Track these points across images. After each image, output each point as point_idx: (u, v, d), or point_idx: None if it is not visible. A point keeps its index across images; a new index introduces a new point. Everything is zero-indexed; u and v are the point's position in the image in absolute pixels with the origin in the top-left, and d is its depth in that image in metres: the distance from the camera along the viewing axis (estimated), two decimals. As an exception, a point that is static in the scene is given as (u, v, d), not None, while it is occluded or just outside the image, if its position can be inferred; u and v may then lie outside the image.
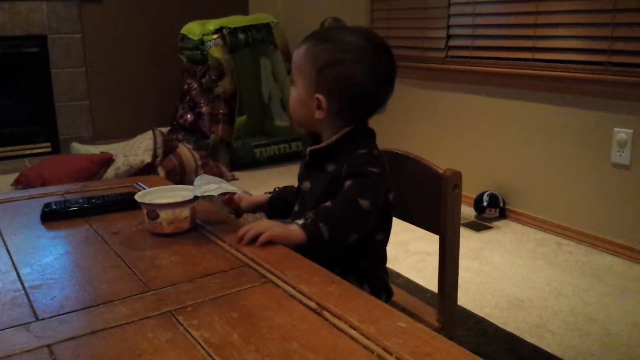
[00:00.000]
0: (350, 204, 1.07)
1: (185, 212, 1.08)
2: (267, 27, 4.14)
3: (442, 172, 1.20)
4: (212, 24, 4.06)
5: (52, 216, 1.18)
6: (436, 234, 1.23)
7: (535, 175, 2.66)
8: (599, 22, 2.36)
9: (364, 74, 1.12)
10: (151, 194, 1.13)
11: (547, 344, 1.76)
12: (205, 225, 1.13)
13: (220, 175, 3.71)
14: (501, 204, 2.76)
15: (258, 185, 3.58)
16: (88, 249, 1.05)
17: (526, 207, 2.71)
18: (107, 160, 3.61)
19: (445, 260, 1.21)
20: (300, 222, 1.04)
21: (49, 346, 0.71)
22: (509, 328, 1.85)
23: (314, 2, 4.14)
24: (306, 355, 0.67)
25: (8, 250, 1.04)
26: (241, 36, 4.05)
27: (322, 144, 1.17)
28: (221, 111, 4.04)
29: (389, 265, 1.24)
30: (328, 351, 0.68)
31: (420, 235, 2.39)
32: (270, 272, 0.90)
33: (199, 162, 3.67)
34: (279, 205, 1.33)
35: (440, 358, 0.66)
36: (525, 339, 1.79)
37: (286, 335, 0.72)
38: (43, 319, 0.78)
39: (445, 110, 3.07)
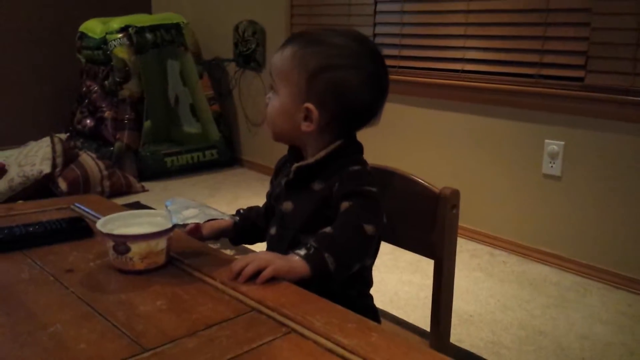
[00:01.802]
0: (355, 230, 0.94)
1: (161, 243, 0.90)
2: (176, 27, 3.89)
3: (438, 191, 1.10)
4: (117, 22, 3.75)
5: (-19, 250, 0.95)
6: (430, 257, 1.13)
7: (467, 185, 2.67)
8: (530, 35, 2.40)
9: (359, 81, 1.00)
10: (113, 222, 0.93)
11: (505, 361, 1.73)
12: (181, 258, 0.95)
13: (129, 186, 3.42)
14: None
15: (171, 196, 3.33)
16: (39, 293, 0.84)
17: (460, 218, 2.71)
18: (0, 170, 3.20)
19: (441, 287, 1.12)
20: (302, 252, 0.90)
21: None
22: (465, 345, 1.81)
23: (226, 4, 3.95)
24: None
25: None
26: (149, 36, 3.78)
27: (310, 160, 1.03)
28: (127, 116, 3.74)
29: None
30: None
31: (393, 262, 2.32)
32: (290, 317, 0.75)
33: (105, 173, 3.36)
34: (245, 230, 1.17)
35: None
36: (484, 356, 1.75)
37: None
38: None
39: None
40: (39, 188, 3.14)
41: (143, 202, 3.25)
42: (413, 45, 2.86)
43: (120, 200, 3.22)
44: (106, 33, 3.71)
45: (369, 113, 1.05)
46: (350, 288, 1.06)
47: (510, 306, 2.08)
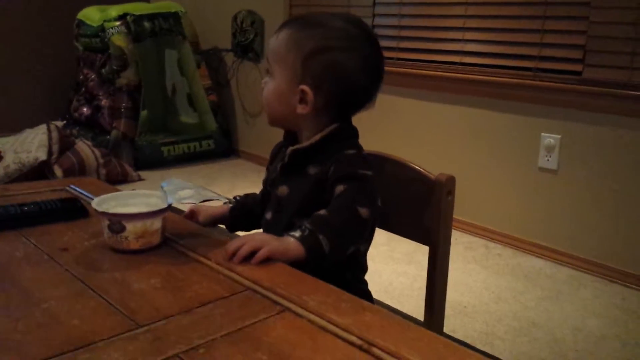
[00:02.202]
0: (350, 212, 0.94)
1: (156, 223, 0.89)
2: (174, 16, 3.88)
3: (434, 177, 1.10)
4: (115, 10, 3.73)
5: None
6: (425, 244, 1.13)
7: (463, 178, 2.67)
8: (529, 28, 2.40)
9: (355, 64, 1.00)
10: (109, 201, 0.93)
11: (499, 352, 1.73)
12: (176, 239, 0.95)
13: (124, 175, 3.41)
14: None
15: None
16: (33, 271, 0.84)
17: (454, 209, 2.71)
18: (-6, 157, 3.19)
19: (435, 273, 1.12)
20: (297, 234, 0.90)
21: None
22: (459, 336, 1.81)
23: (226, -8, 3.94)
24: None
25: None
26: (147, 24, 3.76)
27: (305, 144, 1.03)
28: (124, 105, 3.73)
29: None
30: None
31: (388, 253, 2.32)
32: (284, 297, 0.75)
33: (101, 161, 3.35)
34: (242, 217, 1.17)
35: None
36: (477, 347, 1.75)
37: (343, 382, 0.58)
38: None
39: (370, 113, 3.01)
40: (35, 175, 3.13)
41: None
42: (411, 37, 2.86)
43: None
44: (104, 21, 3.70)
45: (364, 96, 1.05)
46: (345, 271, 1.06)
47: (504, 298, 2.08)
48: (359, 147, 1.04)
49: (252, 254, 0.85)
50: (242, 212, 1.17)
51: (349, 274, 1.07)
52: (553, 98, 2.34)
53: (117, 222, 0.87)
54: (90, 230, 0.97)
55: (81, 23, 3.83)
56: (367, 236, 1.00)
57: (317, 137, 1.02)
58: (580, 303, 2.06)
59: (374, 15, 3.00)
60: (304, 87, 0.99)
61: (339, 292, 0.78)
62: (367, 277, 1.11)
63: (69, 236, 0.96)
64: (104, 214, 0.88)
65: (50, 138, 3.28)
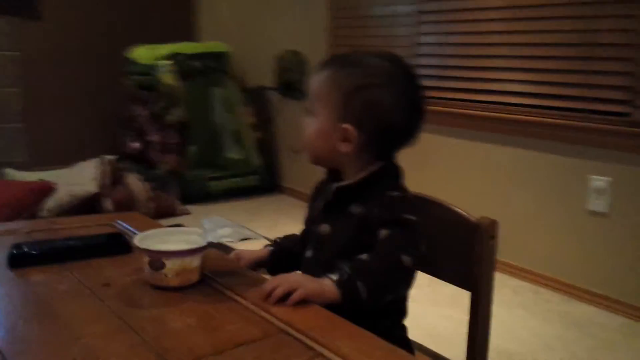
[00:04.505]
0: (392, 260, 0.93)
1: (195, 261, 0.90)
2: (221, 55, 4.00)
3: (476, 220, 1.08)
4: (164, 49, 3.87)
5: (22, 260, 0.97)
6: (467, 289, 1.10)
7: (509, 220, 2.61)
8: (575, 69, 2.37)
9: (395, 100, 1.00)
10: (150, 238, 0.95)
11: (546, 403, 1.66)
12: (214, 276, 0.95)
13: (172, 208, 3.48)
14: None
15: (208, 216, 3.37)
16: (75, 305, 0.85)
17: (499, 253, 2.64)
18: (47, 189, 3.31)
19: (478, 320, 1.09)
20: (335, 277, 0.89)
21: None
22: (503, 384, 1.74)
23: (268, 34, 4.03)
24: None
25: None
26: (195, 63, 3.89)
27: (351, 181, 1.03)
28: (172, 141, 3.82)
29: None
30: None
31: (432, 295, 2.28)
32: (317, 341, 0.74)
33: (150, 194, 3.43)
34: (282, 259, 1.16)
35: None
36: (523, 397, 1.68)
37: None
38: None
39: (409, 151, 3.00)
40: (86, 208, 3.22)
41: (185, 224, 3.29)
42: (455, 77, 2.85)
43: (162, 222, 3.24)
44: (154, 59, 3.83)
45: (406, 132, 1.04)
46: (383, 318, 1.04)
47: (553, 346, 2.00)
48: (404, 189, 1.03)
49: (288, 295, 0.85)
50: (282, 254, 1.16)
51: (387, 320, 1.04)
52: (601, 139, 2.28)
53: (157, 259, 0.88)
54: (132, 266, 0.99)
55: (132, 62, 3.98)
56: (406, 285, 0.98)
57: (362, 175, 1.02)
58: (634, 354, 1.96)
59: (416, 55, 3.01)
60: (346, 125, 1.00)
61: (374, 339, 0.76)
62: (409, 320, 1.08)
63: (111, 271, 0.98)
64: (144, 250, 0.89)
65: (102, 171, 3.39)
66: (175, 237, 0.97)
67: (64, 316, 0.82)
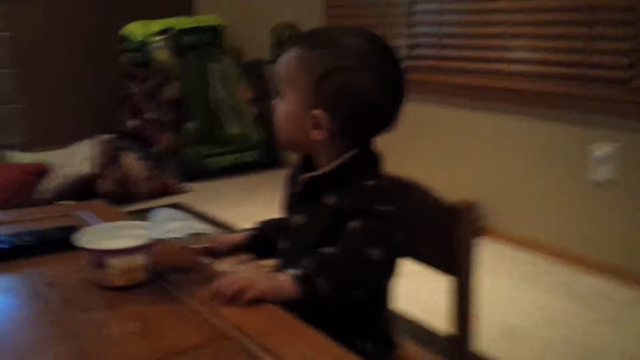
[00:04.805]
0: (358, 254, 0.85)
1: (140, 259, 0.84)
2: (215, 29, 3.89)
3: (455, 204, 1.00)
4: (157, 25, 3.77)
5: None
6: (451, 274, 1.03)
7: (510, 190, 2.53)
8: (576, 34, 2.24)
9: (372, 83, 0.91)
10: (94, 234, 0.88)
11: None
12: (166, 274, 0.88)
13: (169, 187, 3.43)
14: (475, 221, 2.60)
15: (212, 198, 3.32)
16: (12, 307, 0.79)
17: (500, 223, 2.57)
18: (41, 171, 3.26)
19: (462, 306, 1.02)
20: (293, 272, 0.82)
21: None
22: (502, 363, 1.68)
23: (264, 6, 3.91)
24: None
25: None
26: (188, 39, 3.78)
27: (321, 172, 0.94)
28: (167, 118, 3.75)
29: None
30: None
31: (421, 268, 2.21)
32: (263, 347, 0.68)
33: (146, 174, 3.37)
34: (262, 245, 1.09)
35: None
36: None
37: None
38: None
39: (410, 123, 2.90)
40: (82, 188, 3.17)
41: (183, 203, 3.24)
42: (452, 46, 2.73)
43: (161, 202, 3.24)
44: (146, 36, 3.74)
45: (384, 118, 0.95)
46: (363, 312, 0.97)
47: (556, 320, 1.93)
48: (379, 177, 0.94)
49: (242, 294, 0.78)
50: (262, 240, 1.09)
51: (363, 313, 0.98)
52: (603, 106, 2.17)
53: (98, 258, 0.82)
54: (82, 263, 0.92)
55: (125, 38, 3.89)
56: (376, 279, 0.90)
57: (334, 164, 0.93)
58: None
59: (412, 24, 2.89)
60: (317, 112, 0.91)
61: (327, 344, 0.69)
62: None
63: (59, 269, 0.92)
64: (86, 250, 0.83)
65: (95, 152, 3.33)
66: (125, 232, 0.90)
67: (9, 322, 0.76)
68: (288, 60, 0.95)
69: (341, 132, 0.92)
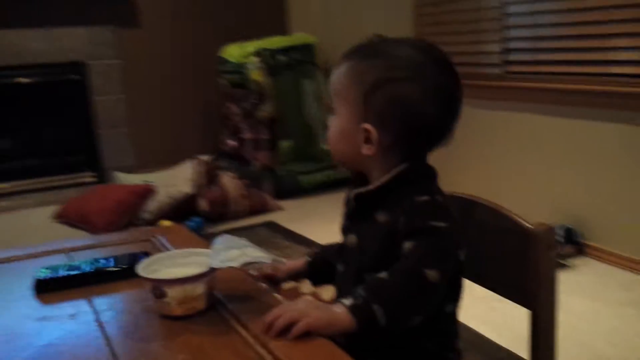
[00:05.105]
0: (414, 276, 0.81)
1: (199, 288, 0.84)
2: (307, 47, 3.94)
3: (530, 227, 0.92)
4: (252, 46, 3.89)
5: (46, 286, 0.97)
6: (525, 306, 0.95)
7: (618, 205, 2.33)
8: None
9: (423, 95, 0.87)
10: (159, 262, 0.90)
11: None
12: (227, 301, 0.88)
13: (265, 205, 3.50)
14: (578, 239, 2.43)
15: (305, 215, 3.35)
16: (75, 336, 0.82)
17: (608, 242, 2.37)
18: (148, 192, 3.45)
19: (539, 345, 0.93)
20: (348, 302, 0.79)
21: None
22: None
23: (355, 20, 3.91)
24: None
25: (-20, 339, 0.83)
26: (281, 58, 3.87)
27: (370, 187, 0.92)
28: (263, 137, 3.85)
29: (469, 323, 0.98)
30: None
31: None
32: (307, 386, 0.65)
33: (243, 192, 3.47)
34: (320, 271, 1.07)
35: None
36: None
37: None
38: None
39: (504, 132, 2.77)
40: (184, 207, 3.31)
41: (278, 220, 3.30)
42: (548, 49, 2.58)
43: (256, 219, 3.32)
44: (242, 57, 3.86)
45: (437, 131, 0.91)
46: (427, 340, 0.92)
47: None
48: (432, 192, 0.90)
49: (293, 325, 0.76)
50: (320, 266, 1.08)
51: (430, 344, 0.92)
52: None
53: (157, 287, 0.83)
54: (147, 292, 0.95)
55: (224, 60, 4.04)
56: (435, 302, 0.85)
57: (384, 179, 0.90)
58: None
59: (505, 28, 2.76)
60: (367, 126, 0.89)
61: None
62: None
63: (125, 297, 0.94)
64: (145, 279, 0.85)
65: (196, 172, 3.47)
66: (189, 260, 0.91)
67: (65, 353, 0.79)
68: (339, 74, 0.93)
69: (393, 146, 0.89)
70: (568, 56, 2.50)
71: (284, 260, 1.05)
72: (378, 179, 0.91)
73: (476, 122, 2.93)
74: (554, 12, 2.54)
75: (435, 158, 0.94)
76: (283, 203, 3.58)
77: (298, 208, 3.50)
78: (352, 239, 0.95)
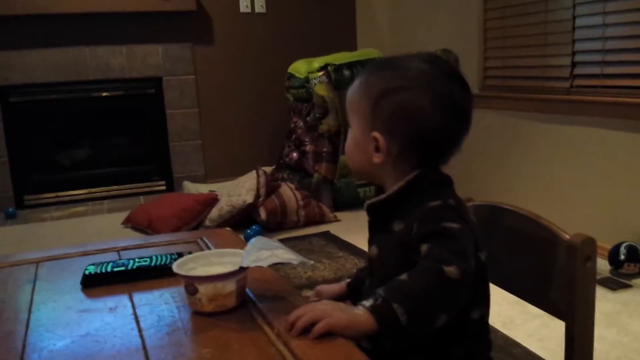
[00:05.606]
0: (432, 273, 0.80)
1: (229, 286, 0.87)
2: (373, 61, 3.95)
3: (569, 238, 0.90)
4: (317, 62, 3.95)
5: (91, 281, 1.02)
6: (560, 318, 0.92)
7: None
8: None
9: (429, 103, 0.89)
10: (195, 260, 0.94)
11: None
12: (257, 300, 0.91)
13: (322, 216, 3.53)
14: (643, 258, 2.31)
15: (361, 227, 3.29)
16: (112, 328, 0.87)
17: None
18: (211, 200, 3.57)
19: (573, 357, 0.90)
20: (368, 303, 0.80)
21: None
22: None
23: (423, 35, 3.91)
24: None
25: (28, 325, 0.89)
26: (346, 72, 3.90)
27: (382, 196, 0.93)
28: (325, 149, 3.89)
29: (503, 329, 0.96)
30: None
31: None
32: (320, 384, 0.66)
33: (301, 203, 3.52)
34: (360, 290, 1.08)
35: None
36: None
37: None
38: None
39: (570, 147, 2.68)
40: (244, 216, 3.40)
41: (334, 231, 3.32)
42: (620, 62, 2.48)
43: (312, 230, 3.35)
44: (308, 72, 3.93)
45: (446, 139, 0.92)
46: (454, 346, 0.91)
47: None
48: (445, 196, 0.89)
49: (314, 324, 0.78)
50: (357, 286, 1.09)
51: (458, 350, 0.91)
52: None
53: (190, 284, 0.87)
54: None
55: (291, 76, 4.12)
56: (456, 300, 0.83)
57: (396, 187, 0.91)
58: None
59: (573, 41, 2.68)
60: (376, 134, 0.91)
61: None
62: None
63: (164, 291, 0.98)
64: (179, 275, 0.88)
65: (258, 182, 3.55)
66: (223, 259, 0.94)
67: (100, 341, 0.83)
68: (352, 88, 0.96)
69: (402, 155, 0.90)
70: (637, 69, 2.39)
71: (311, 262, 1.07)
72: (391, 188, 0.92)
73: (542, 136, 2.85)
74: (623, 25, 2.44)
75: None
76: (340, 214, 3.60)
77: (355, 220, 3.50)
78: (374, 250, 0.96)
